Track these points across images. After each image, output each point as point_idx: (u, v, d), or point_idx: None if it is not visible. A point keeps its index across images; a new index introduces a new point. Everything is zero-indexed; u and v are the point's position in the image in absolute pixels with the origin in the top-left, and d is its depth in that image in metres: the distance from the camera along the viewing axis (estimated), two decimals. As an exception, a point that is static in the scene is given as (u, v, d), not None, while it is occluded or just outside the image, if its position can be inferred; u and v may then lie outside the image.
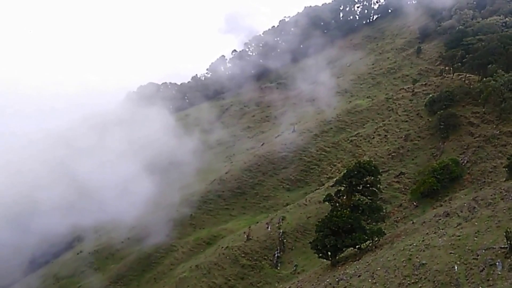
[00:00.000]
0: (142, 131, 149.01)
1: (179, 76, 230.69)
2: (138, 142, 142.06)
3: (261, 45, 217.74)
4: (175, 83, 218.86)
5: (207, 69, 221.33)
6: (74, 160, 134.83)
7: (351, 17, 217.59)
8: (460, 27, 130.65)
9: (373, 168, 63.93)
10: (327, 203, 65.79)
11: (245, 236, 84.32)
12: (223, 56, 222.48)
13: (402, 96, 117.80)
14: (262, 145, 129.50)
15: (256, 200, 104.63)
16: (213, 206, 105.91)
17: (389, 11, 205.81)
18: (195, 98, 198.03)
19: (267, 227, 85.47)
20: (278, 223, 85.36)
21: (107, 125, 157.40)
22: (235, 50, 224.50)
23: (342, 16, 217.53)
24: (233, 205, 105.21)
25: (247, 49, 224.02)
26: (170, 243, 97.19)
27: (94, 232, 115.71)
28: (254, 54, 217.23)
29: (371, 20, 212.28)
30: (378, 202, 66.15)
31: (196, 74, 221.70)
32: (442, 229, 44.72)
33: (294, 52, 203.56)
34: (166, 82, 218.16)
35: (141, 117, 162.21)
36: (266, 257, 79.29)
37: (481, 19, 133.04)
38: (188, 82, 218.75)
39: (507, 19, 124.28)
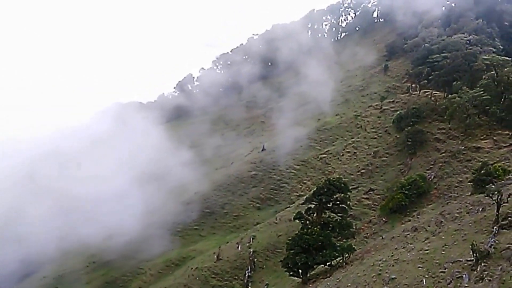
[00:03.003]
0: (117, 150, 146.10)
1: (145, 95, 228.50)
2: (115, 162, 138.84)
3: (229, 63, 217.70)
4: (142, 102, 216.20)
5: (174, 88, 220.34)
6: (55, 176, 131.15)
7: (319, 35, 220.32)
8: (426, 44, 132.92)
9: (342, 185, 64.02)
10: (298, 221, 65.24)
11: (215, 256, 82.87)
12: (191, 74, 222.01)
13: (371, 113, 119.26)
14: (231, 164, 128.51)
15: (226, 220, 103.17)
16: (182, 226, 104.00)
17: (357, 29, 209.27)
18: (162, 117, 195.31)
19: (238, 247, 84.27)
20: (249, 242, 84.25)
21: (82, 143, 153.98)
22: (203, 68, 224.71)
23: (311, 34, 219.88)
24: (203, 225, 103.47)
25: (215, 67, 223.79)
26: (137, 265, 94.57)
27: (61, 256, 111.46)
28: (222, 72, 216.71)
29: (339, 38, 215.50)
30: (348, 218, 66.08)
31: (163, 93, 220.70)
32: (411, 244, 44.88)
33: (262, 69, 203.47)
34: (132, 101, 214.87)
35: (110, 137, 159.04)
36: (236, 277, 78.01)
37: (446, 36, 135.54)
38: (155, 101, 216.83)
39: (471, 37, 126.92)
